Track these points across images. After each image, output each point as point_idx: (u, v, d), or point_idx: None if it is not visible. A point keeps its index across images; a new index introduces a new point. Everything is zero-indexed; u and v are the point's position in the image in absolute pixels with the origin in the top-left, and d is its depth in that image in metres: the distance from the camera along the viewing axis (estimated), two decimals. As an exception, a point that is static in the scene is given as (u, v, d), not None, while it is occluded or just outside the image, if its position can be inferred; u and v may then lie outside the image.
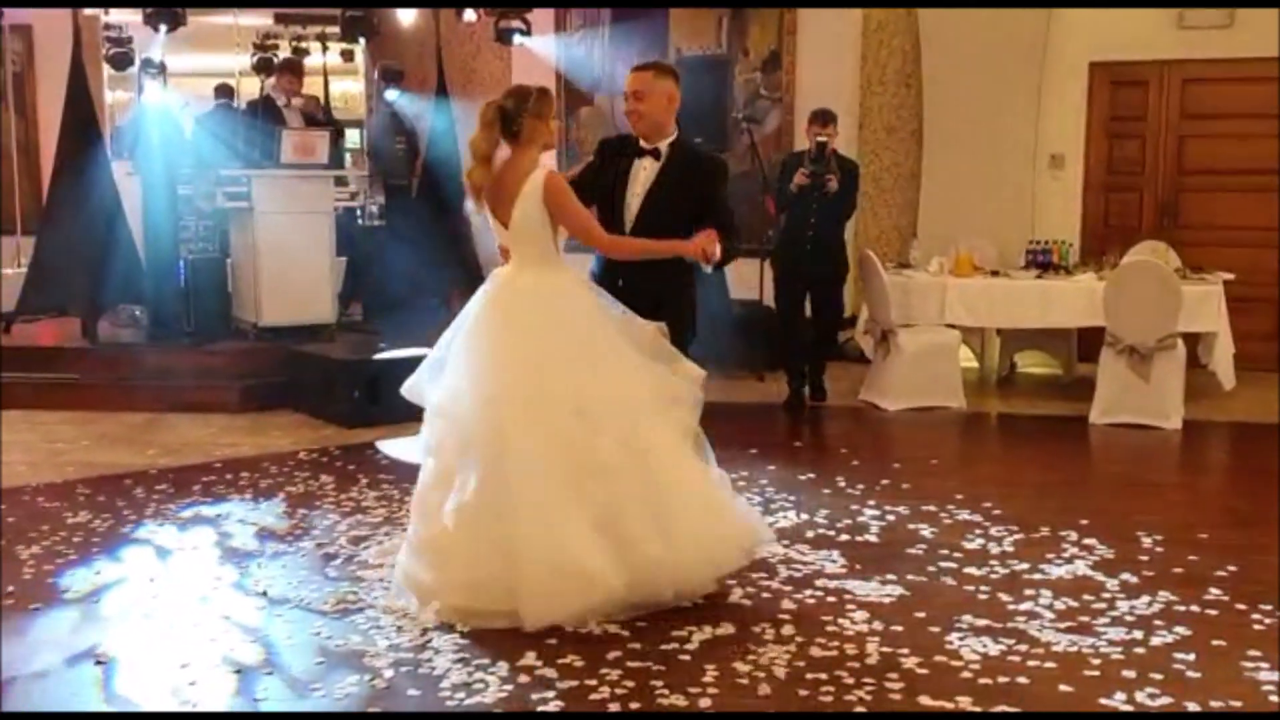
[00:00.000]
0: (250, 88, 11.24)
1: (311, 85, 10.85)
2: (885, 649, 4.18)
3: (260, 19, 11.58)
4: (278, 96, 9.96)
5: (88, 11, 10.58)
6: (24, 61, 12.13)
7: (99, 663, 4.10)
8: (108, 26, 10.95)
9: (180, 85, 10.35)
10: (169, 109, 9.49)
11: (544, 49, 11.00)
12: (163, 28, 9.29)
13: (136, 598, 4.74)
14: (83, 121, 9.38)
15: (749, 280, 9.66)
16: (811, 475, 6.60)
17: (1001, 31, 9.90)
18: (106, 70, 11.15)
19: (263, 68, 11.27)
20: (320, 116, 10.39)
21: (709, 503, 4.58)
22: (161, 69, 9.77)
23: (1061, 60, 10.05)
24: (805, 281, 8.44)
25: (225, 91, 10.83)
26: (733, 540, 4.64)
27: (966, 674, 3.99)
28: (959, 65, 10.04)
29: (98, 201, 9.08)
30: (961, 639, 4.27)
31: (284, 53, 11.52)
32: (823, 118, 8.24)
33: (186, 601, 4.69)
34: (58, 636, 4.35)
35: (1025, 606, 4.61)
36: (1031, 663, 4.08)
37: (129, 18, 10.37)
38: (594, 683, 3.89)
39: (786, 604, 4.63)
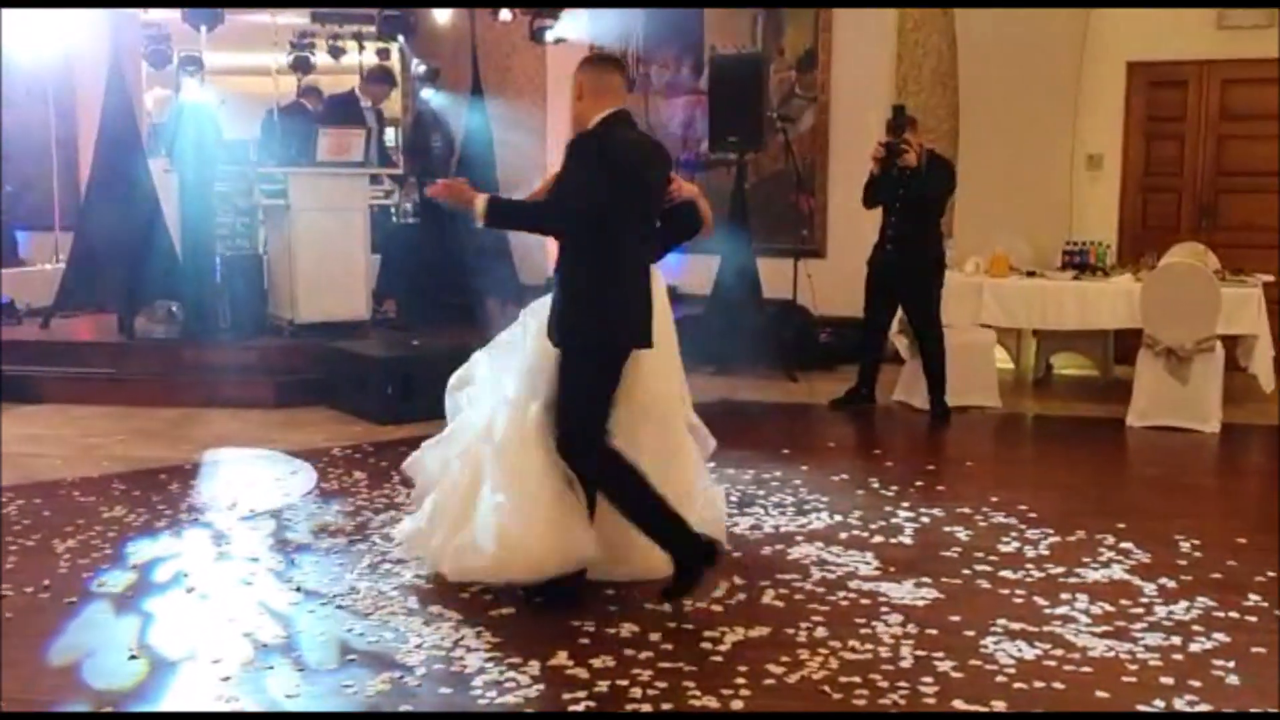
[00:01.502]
0: (287, 86, 11.28)
1: (346, 83, 10.88)
2: (919, 652, 4.16)
3: (297, 18, 11.62)
4: (364, 99, 10.05)
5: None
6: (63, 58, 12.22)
7: (133, 657, 4.12)
8: (146, 25, 11.01)
9: (216, 83, 10.38)
10: (206, 106, 9.54)
11: (576, 33, 10.89)
12: (203, 27, 9.35)
13: (171, 592, 4.76)
14: (121, 119, 9.46)
15: (781, 280, 9.63)
16: (844, 476, 6.57)
17: (1039, 31, 9.83)
18: (145, 68, 11.22)
19: (299, 65, 11.31)
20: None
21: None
22: (199, 67, 9.83)
23: (1100, 60, 9.96)
24: (888, 285, 8.12)
25: (309, 92, 10.84)
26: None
27: (1002, 678, 3.96)
28: (996, 65, 9.98)
29: (135, 198, 9.16)
30: (997, 643, 4.24)
31: (321, 51, 11.59)
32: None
33: (221, 596, 4.71)
34: (92, 630, 4.37)
35: (1061, 611, 4.57)
36: (1068, 668, 4.05)
37: (167, 15, 10.43)
38: (625, 683, 3.88)
39: (820, 606, 4.61)
